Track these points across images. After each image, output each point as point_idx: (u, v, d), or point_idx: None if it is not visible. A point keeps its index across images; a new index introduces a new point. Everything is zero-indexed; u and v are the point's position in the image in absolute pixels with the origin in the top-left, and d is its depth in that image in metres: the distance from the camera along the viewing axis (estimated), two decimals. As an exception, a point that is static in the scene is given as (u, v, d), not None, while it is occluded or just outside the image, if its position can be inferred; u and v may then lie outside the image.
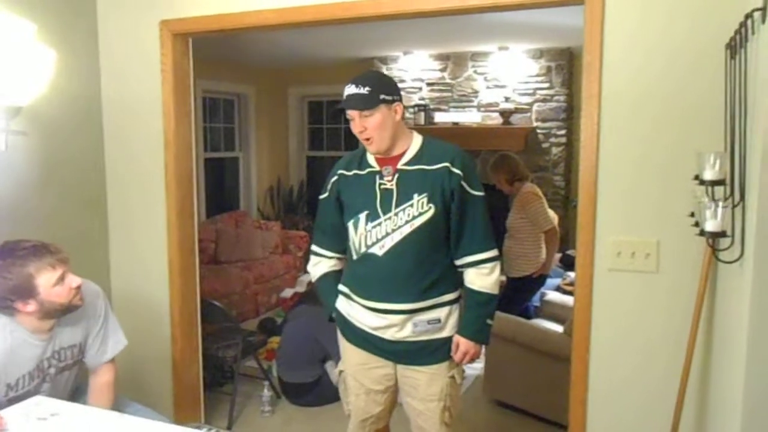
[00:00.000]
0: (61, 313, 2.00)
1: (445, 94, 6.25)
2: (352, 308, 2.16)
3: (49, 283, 1.92)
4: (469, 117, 6.11)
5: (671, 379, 2.01)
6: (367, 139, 2.03)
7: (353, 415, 2.28)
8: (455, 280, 2.14)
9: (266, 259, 5.95)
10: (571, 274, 4.84)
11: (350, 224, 2.11)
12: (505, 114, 5.92)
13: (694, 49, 2.01)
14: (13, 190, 2.45)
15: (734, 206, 1.62)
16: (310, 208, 7.42)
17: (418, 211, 2.02)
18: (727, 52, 1.84)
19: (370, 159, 2.12)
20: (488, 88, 6.08)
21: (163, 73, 2.87)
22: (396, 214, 2.03)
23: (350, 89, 2.01)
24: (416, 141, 2.11)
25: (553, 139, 5.89)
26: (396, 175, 2.06)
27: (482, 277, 2.08)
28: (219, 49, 5.67)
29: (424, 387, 2.13)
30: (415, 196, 2.02)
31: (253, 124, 7.21)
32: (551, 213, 4.00)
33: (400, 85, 6.73)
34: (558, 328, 3.54)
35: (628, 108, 2.13)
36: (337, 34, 5.18)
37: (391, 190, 2.05)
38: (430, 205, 2.02)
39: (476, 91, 6.12)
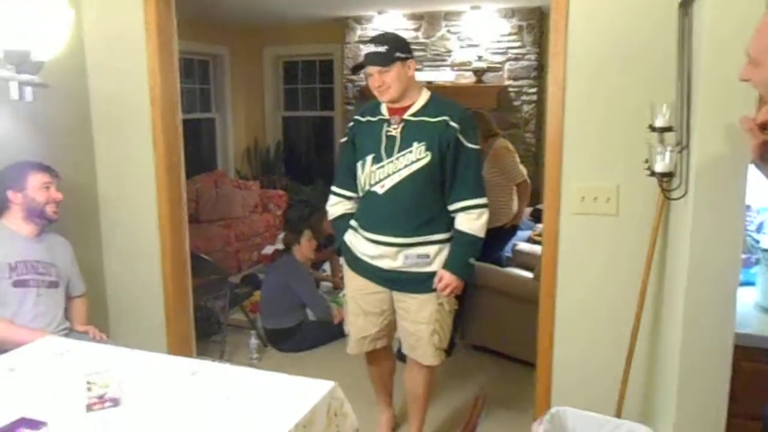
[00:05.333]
0: (39, 218, 2.47)
1: (419, 54, 6.34)
2: (356, 239, 2.47)
3: (37, 183, 2.45)
4: (443, 76, 6.23)
5: (629, 306, 2.24)
6: (383, 92, 2.29)
7: (353, 333, 2.58)
8: (447, 223, 2.39)
9: (246, 218, 6.08)
10: (540, 226, 5.07)
11: (359, 164, 2.40)
12: (478, 73, 6.06)
13: (653, 7, 2.17)
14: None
15: (681, 150, 1.82)
16: (287, 168, 7.53)
17: (416, 157, 2.29)
18: (680, 10, 2.02)
19: (383, 108, 2.39)
20: (461, 47, 6.19)
21: (147, 32, 2.95)
22: (397, 159, 2.31)
23: (369, 48, 2.27)
24: (424, 96, 2.38)
25: (524, 97, 6.06)
26: (402, 125, 2.32)
27: (470, 220, 2.36)
28: (192, 9, 5.66)
29: (415, 311, 2.43)
30: (415, 144, 2.29)
31: (229, 85, 7.22)
32: (521, 167, 4.19)
33: (374, 45, 6.70)
34: (529, 275, 3.77)
35: (592, 64, 2.29)
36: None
37: (395, 137, 2.32)
38: (428, 153, 2.28)
39: (449, 51, 6.23)
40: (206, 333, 3.90)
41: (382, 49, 2.26)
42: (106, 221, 3.22)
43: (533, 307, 3.26)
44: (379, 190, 2.34)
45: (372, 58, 2.27)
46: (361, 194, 2.45)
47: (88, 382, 1.72)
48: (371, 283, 2.47)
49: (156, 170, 3.05)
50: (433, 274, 2.37)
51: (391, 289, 2.47)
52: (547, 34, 5.88)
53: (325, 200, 6.90)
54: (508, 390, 3.38)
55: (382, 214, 2.36)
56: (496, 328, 3.82)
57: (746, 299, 1.87)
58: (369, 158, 2.36)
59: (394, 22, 6.35)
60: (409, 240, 2.34)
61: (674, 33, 2.04)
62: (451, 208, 2.37)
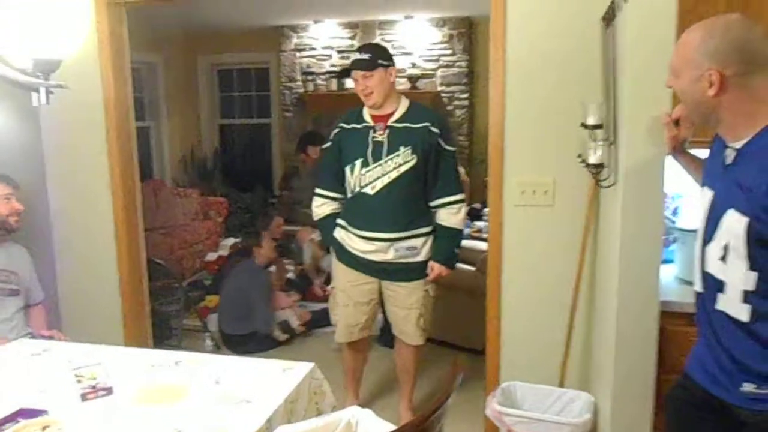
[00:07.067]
0: (0, 229, 2.50)
1: (354, 61, 6.54)
2: (348, 237, 2.67)
3: None
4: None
5: (567, 286, 2.51)
6: (367, 95, 2.52)
7: (342, 322, 2.79)
8: (429, 217, 2.67)
9: (188, 226, 6.07)
10: (478, 224, 5.36)
11: (347, 168, 2.61)
12: (412, 79, 6.32)
13: (580, 21, 2.42)
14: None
15: (610, 144, 2.09)
16: (225, 175, 7.53)
17: (403, 160, 2.54)
18: (602, 23, 2.30)
19: (366, 116, 2.61)
20: (395, 55, 6.36)
21: (100, 42, 2.99)
22: (386, 162, 2.54)
23: (355, 56, 2.53)
24: (404, 103, 2.63)
25: (456, 102, 6.37)
26: (387, 131, 2.55)
27: (451, 215, 2.64)
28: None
29: (404, 298, 2.69)
30: (402, 148, 2.53)
31: (163, 93, 7.17)
32: (461, 168, 4.45)
33: (310, 53, 6.91)
34: (471, 268, 4.02)
35: (528, 71, 2.53)
36: (247, 1, 5.30)
37: (382, 142, 2.55)
38: (414, 155, 2.54)
39: (384, 58, 6.44)
40: (159, 338, 3.92)
41: (366, 56, 2.53)
42: (58, 229, 3.23)
43: (476, 298, 3.50)
44: (370, 191, 2.57)
45: (357, 64, 2.53)
46: (350, 195, 2.64)
47: (76, 375, 1.81)
48: (363, 275, 2.70)
49: (111, 176, 3.10)
50: (420, 264, 2.65)
51: (382, 279, 2.70)
52: (477, 42, 6.27)
53: (265, 206, 6.97)
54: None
55: (374, 212, 2.59)
56: (443, 319, 4.03)
57: (666, 273, 2.16)
58: (358, 162, 2.58)
59: (330, 30, 6.52)
60: (399, 235, 2.59)
61: (599, 42, 2.33)
62: (433, 204, 2.65)
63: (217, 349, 3.95)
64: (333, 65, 6.58)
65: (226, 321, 3.97)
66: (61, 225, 3.22)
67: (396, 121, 2.59)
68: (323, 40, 6.59)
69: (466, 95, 6.35)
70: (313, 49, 6.61)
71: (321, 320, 4.14)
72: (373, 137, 2.57)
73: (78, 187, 3.16)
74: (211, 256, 5.83)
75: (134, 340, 3.26)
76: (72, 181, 3.17)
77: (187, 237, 5.88)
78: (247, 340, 3.94)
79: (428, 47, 6.32)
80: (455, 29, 6.24)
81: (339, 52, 6.56)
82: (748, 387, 1.40)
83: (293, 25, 6.61)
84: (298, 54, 6.70)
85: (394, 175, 2.54)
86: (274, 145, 7.41)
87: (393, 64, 2.60)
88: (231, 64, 7.46)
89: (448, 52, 6.30)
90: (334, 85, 6.46)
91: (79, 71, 3.02)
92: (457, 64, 6.31)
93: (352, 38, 6.50)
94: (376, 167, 2.55)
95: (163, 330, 3.97)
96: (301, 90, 6.71)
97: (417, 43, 6.33)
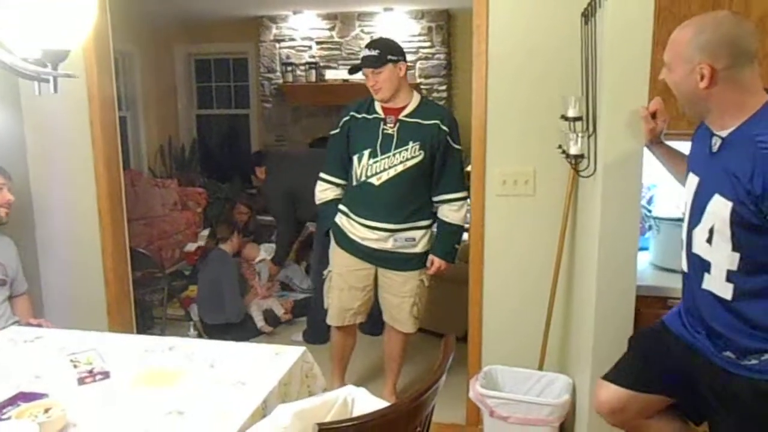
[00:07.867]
0: None
1: (334, 53, 6.57)
2: (349, 223, 2.72)
3: None
4: (358, 74, 6.46)
5: (547, 273, 2.60)
6: (377, 90, 2.56)
7: (335, 306, 2.82)
8: (430, 211, 2.74)
9: (167, 216, 6.04)
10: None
11: (355, 157, 2.65)
12: (391, 71, 6.36)
13: (561, 16, 2.49)
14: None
15: (589, 136, 2.18)
16: (203, 165, 7.51)
17: (411, 155, 2.59)
18: (582, 19, 2.38)
19: (377, 107, 2.65)
20: (374, 47, 6.46)
21: (83, 30, 2.98)
22: (393, 155, 2.58)
23: (364, 52, 2.56)
24: (415, 99, 2.67)
25: (435, 94, 6.43)
26: (397, 124, 2.59)
27: (452, 212, 2.69)
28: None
29: (399, 286, 2.74)
30: (410, 143, 2.58)
31: (139, 84, 7.10)
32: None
33: (289, 44, 6.93)
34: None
35: (509, 63, 2.61)
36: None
37: (392, 135, 2.59)
38: (421, 151, 2.59)
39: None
40: (142, 327, 3.92)
41: (374, 52, 2.56)
42: (40, 219, 3.22)
43: (457, 286, 3.59)
44: (375, 181, 2.62)
45: (365, 61, 2.58)
46: (354, 183, 2.69)
47: (72, 361, 1.84)
48: (360, 261, 2.76)
49: (95, 166, 3.10)
50: (416, 255, 2.72)
51: (378, 266, 2.76)
52: (455, 35, 6.33)
53: (242, 197, 6.87)
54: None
55: (377, 203, 2.64)
56: (426, 308, 4.11)
57: (641, 260, 2.25)
58: (366, 152, 2.62)
59: (309, 21, 6.53)
60: (400, 226, 2.66)
61: (578, 37, 2.41)
62: (436, 199, 2.71)
63: (200, 338, 3.97)
64: (312, 56, 6.60)
65: (204, 311, 4.00)
66: (44, 215, 3.21)
67: (407, 116, 2.63)
68: (303, 31, 6.60)
69: (444, 87, 6.43)
70: (293, 39, 6.62)
71: (304, 308, 4.20)
72: (383, 129, 2.62)
73: (62, 177, 3.15)
74: (191, 247, 5.81)
75: (119, 329, 3.27)
76: (55, 171, 3.16)
77: (166, 227, 5.86)
78: (227, 329, 3.95)
79: (407, 39, 6.35)
80: (434, 22, 6.30)
81: (318, 43, 6.58)
82: (729, 354, 1.51)
83: (272, 15, 6.60)
84: (277, 45, 6.70)
85: (400, 168, 2.60)
86: (253, 136, 7.41)
87: (403, 59, 2.63)
88: (208, 54, 7.42)
89: (427, 44, 6.36)
90: (313, 76, 6.48)
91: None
92: (436, 56, 6.38)
93: (331, 29, 6.52)
94: (383, 159, 2.60)
95: (145, 319, 3.98)
96: (281, 81, 6.72)
97: (396, 35, 6.33)
